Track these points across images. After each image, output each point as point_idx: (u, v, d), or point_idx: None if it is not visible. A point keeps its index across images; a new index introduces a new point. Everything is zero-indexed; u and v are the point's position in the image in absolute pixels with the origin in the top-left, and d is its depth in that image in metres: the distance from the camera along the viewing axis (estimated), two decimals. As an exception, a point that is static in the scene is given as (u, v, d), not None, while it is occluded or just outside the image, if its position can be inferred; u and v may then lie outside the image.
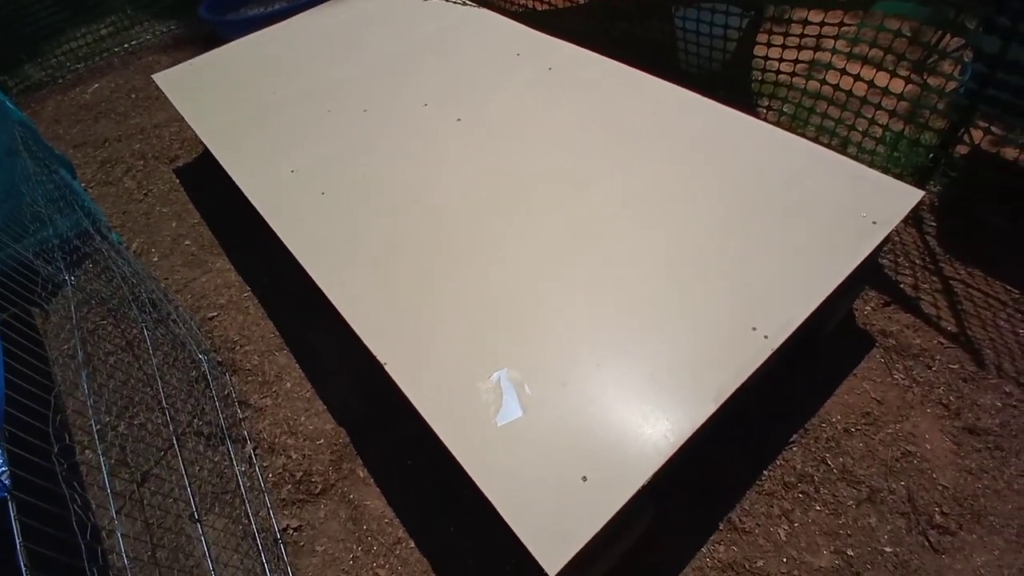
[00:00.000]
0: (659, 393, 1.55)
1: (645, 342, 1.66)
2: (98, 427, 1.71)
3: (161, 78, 3.26)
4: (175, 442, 1.92)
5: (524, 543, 1.33)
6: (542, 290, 1.82)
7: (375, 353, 1.72)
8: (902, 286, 2.39)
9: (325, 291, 1.91)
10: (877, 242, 1.81)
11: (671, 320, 1.70)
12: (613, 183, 2.12)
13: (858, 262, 1.76)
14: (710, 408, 1.50)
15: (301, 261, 2.02)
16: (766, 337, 1.62)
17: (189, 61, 3.37)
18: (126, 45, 5.09)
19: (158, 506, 1.88)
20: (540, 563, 1.30)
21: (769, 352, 1.59)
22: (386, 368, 1.68)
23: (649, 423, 1.50)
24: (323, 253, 2.05)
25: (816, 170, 2.05)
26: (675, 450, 1.44)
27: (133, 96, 4.45)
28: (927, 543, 1.76)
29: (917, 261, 2.46)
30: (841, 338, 2.24)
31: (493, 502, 1.40)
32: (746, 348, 1.61)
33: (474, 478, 1.45)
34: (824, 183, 2.01)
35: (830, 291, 1.71)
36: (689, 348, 1.63)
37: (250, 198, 2.31)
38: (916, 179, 2.62)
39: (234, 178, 2.42)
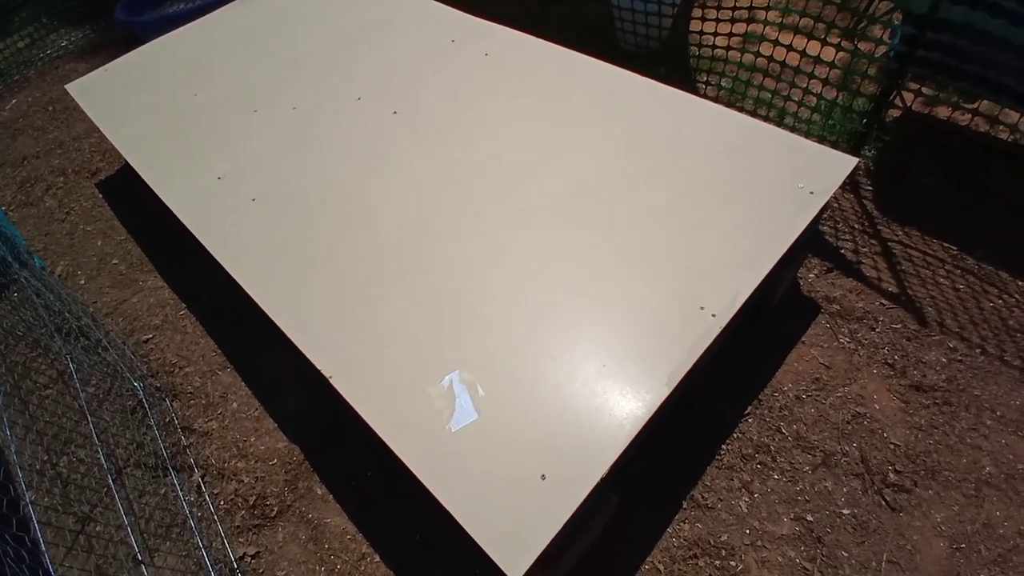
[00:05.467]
0: (613, 382, 1.52)
1: (596, 331, 1.63)
2: (25, 479, 1.57)
3: (74, 87, 3.04)
4: (111, 482, 1.79)
5: (485, 549, 1.30)
6: (489, 287, 1.77)
7: (319, 367, 1.64)
8: (843, 251, 2.44)
9: (262, 305, 1.81)
10: (815, 212, 1.83)
11: (620, 307, 1.67)
12: (553, 172, 2.07)
13: (798, 233, 1.78)
14: (664, 392, 1.49)
15: (233, 274, 1.91)
16: (714, 315, 1.62)
17: (104, 67, 3.15)
18: (42, 56, 4.74)
19: (97, 553, 1.75)
20: (502, 568, 1.27)
21: (718, 330, 1.59)
22: (332, 382, 1.61)
23: (605, 413, 1.47)
24: (257, 264, 1.94)
25: (753, 144, 2.06)
26: (632, 438, 1.43)
27: (51, 109, 4.15)
28: (883, 502, 1.81)
29: (856, 226, 2.52)
30: (788, 307, 2.27)
31: (451, 511, 1.36)
32: (695, 328, 1.60)
33: (431, 489, 1.40)
34: (761, 157, 2.01)
35: (773, 264, 1.71)
36: (639, 334, 1.61)
37: (174, 210, 2.17)
38: (851, 145, 2.67)
39: (155, 189, 2.27)
